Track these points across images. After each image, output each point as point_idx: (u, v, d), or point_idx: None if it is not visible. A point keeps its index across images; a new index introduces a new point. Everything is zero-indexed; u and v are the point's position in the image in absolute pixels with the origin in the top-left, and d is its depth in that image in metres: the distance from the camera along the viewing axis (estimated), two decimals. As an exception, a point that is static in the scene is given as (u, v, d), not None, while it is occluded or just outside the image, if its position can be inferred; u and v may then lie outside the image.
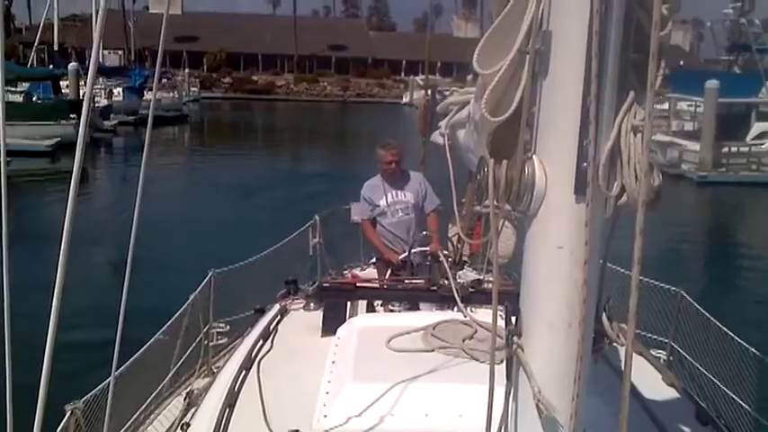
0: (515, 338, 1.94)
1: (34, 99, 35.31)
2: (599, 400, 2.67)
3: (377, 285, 5.16)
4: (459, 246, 5.09)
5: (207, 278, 5.82)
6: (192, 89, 65.89)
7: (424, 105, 5.28)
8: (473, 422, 2.93)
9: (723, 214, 25.65)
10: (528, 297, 1.96)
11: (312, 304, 4.98)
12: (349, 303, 4.86)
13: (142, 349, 4.63)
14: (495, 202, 1.85)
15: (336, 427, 3.07)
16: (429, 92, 5.24)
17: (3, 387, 2.13)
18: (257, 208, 20.49)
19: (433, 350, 3.60)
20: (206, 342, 5.68)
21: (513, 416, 2.04)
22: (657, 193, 1.86)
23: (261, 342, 4.27)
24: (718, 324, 5.48)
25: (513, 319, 2.00)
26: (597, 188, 1.81)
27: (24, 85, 36.67)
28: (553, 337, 1.90)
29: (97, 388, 3.68)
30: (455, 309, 4.34)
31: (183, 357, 5.35)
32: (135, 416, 4.58)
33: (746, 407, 4.95)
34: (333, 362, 3.61)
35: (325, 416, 3.13)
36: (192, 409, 4.12)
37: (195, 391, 4.54)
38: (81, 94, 37.88)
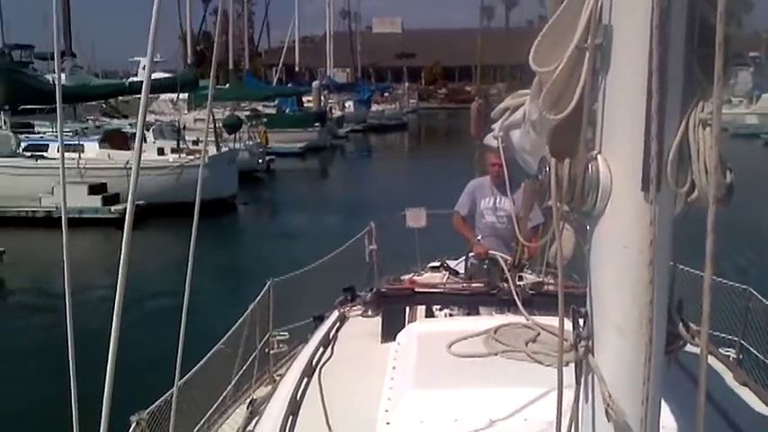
0: (583, 341, 1.88)
1: (287, 111, 45.26)
2: (673, 403, 2.59)
3: (435, 290, 5.10)
4: (517, 248, 5.02)
5: (266, 287, 5.86)
6: (411, 101, 74.62)
7: (477, 109, 5.23)
8: (538, 426, 2.87)
9: None
10: (595, 299, 1.90)
11: (370, 311, 4.96)
12: (407, 309, 4.82)
13: (204, 359, 4.67)
14: (557, 203, 1.79)
15: None
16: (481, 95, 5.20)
17: (68, 399, 2.15)
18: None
19: (495, 354, 3.54)
20: (267, 350, 5.71)
21: (582, 421, 1.98)
22: (729, 188, 1.79)
23: (321, 349, 4.26)
24: None
25: (580, 321, 1.95)
26: (666, 185, 1.75)
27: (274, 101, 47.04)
28: (622, 340, 1.84)
29: (161, 399, 3.71)
30: (515, 312, 4.27)
31: (245, 366, 5.38)
32: (199, 425, 4.61)
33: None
34: (393, 368, 3.58)
35: (387, 423, 3.10)
36: (255, 418, 4.14)
37: (258, 400, 4.56)
38: (321, 107, 49.15)
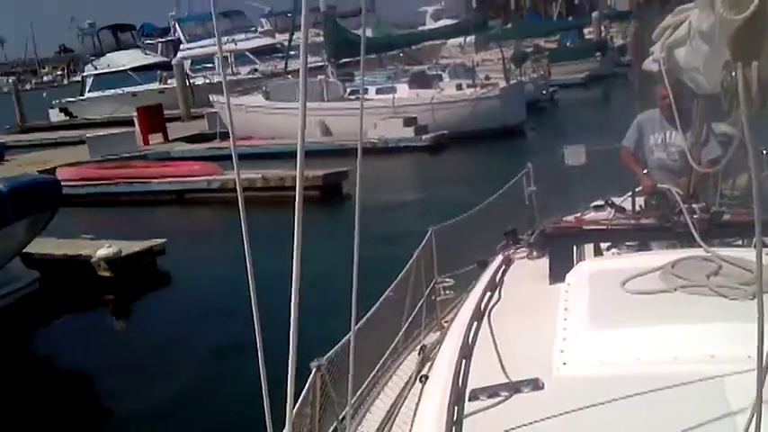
0: None
1: (568, 44, 48.18)
2: None
3: (605, 227, 4.89)
4: (690, 177, 4.73)
5: (428, 235, 5.88)
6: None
7: (634, 34, 4.95)
8: (727, 363, 2.69)
9: None
10: None
11: (535, 252, 4.86)
12: (575, 248, 4.68)
13: (374, 307, 4.74)
14: (747, 108, 1.63)
15: (578, 374, 2.95)
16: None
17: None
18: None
19: (674, 290, 3.36)
20: (433, 297, 5.75)
21: None
22: None
23: (488, 293, 4.22)
24: None
25: None
26: None
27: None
28: None
29: (338, 345, 3.80)
30: (689, 246, 4.03)
31: (414, 313, 5.44)
32: (374, 371, 4.72)
33: None
34: (565, 308, 3.47)
35: (564, 363, 3.02)
36: (428, 363, 4.17)
37: (428, 346, 4.60)
38: (601, 37, 51.50)
